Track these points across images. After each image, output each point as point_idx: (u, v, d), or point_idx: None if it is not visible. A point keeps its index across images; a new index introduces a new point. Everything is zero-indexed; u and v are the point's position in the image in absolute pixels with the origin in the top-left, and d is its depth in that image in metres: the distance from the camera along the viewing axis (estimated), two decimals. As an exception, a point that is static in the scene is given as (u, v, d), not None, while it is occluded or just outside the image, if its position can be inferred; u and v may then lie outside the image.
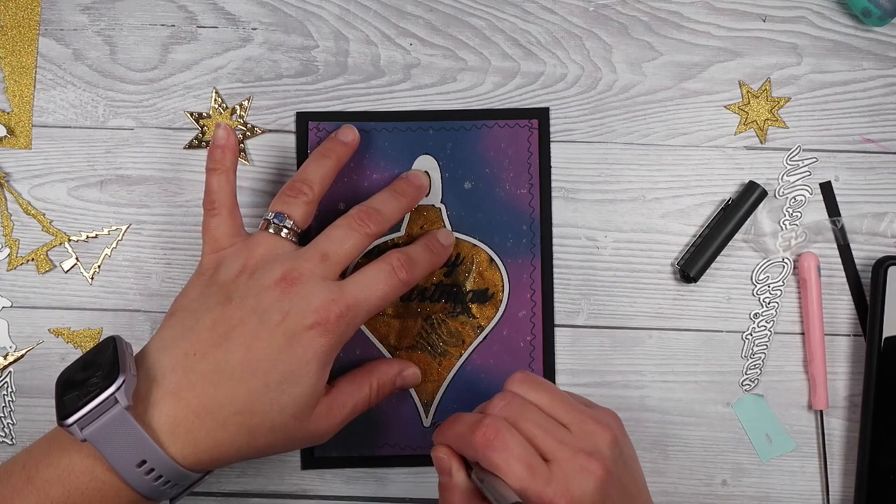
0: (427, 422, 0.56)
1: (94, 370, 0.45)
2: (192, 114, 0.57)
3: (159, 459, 0.44)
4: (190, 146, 0.57)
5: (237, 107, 0.57)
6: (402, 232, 0.56)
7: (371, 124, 0.56)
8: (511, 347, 0.56)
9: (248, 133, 0.57)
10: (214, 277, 0.49)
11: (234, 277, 0.48)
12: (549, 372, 0.56)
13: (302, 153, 0.56)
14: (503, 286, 0.56)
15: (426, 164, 0.56)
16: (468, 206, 0.56)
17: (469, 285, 0.56)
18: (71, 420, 0.43)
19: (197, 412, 0.45)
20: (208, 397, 0.45)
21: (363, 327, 0.56)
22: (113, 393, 0.43)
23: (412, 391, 0.56)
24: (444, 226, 0.56)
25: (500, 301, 0.56)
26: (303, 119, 0.56)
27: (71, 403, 0.43)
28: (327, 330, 0.47)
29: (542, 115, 0.56)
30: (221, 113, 0.57)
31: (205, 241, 0.51)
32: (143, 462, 0.44)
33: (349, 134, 0.54)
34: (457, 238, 0.56)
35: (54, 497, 0.44)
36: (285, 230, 0.50)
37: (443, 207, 0.56)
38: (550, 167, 0.56)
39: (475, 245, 0.56)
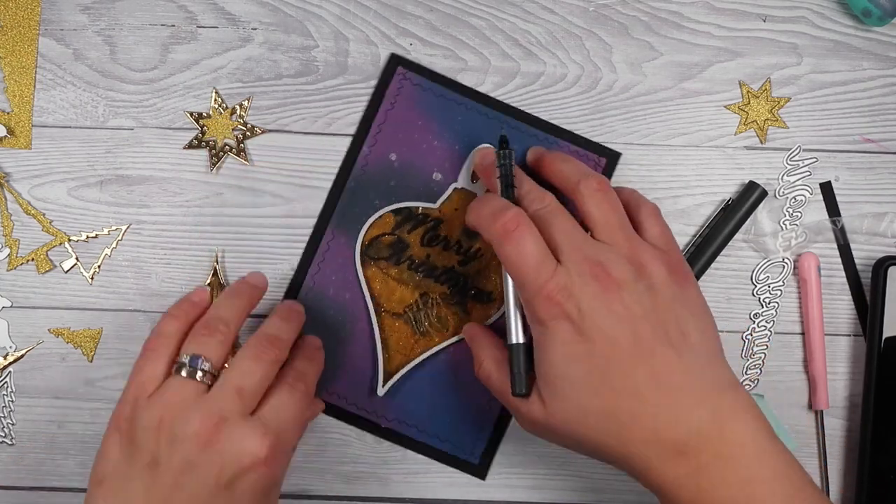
0: (381, 391, 0.55)
1: None
2: (192, 114, 0.57)
3: None
4: (190, 146, 0.57)
5: (237, 107, 0.57)
6: (437, 205, 0.56)
7: (454, 95, 0.56)
8: None
9: (248, 133, 0.57)
10: (132, 434, 0.47)
11: (154, 436, 0.46)
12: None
13: (377, 97, 0.56)
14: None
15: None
16: None
17: (476, 281, 0.56)
18: None
19: None
20: None
21: (360, 276, 0.55)
22: None
23: (380, 353, 0.55)
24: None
25: (497, 308, 0.56)
26: (394, 62, 0.56)
27: None
28: (266, 465, 0.46)
29: (612, 157, 0.56)
30: (221, 113, 0.57)
31: (130, 382, 0.49)
32: None
33: (261, 279, 0.55)
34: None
35: None
36: (201, 373, 0.48)
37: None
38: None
39: None
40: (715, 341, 0.46)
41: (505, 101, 0.56)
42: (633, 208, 0.49)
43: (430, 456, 0.56)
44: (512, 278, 0.47)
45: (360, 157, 0.56)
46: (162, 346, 0.50)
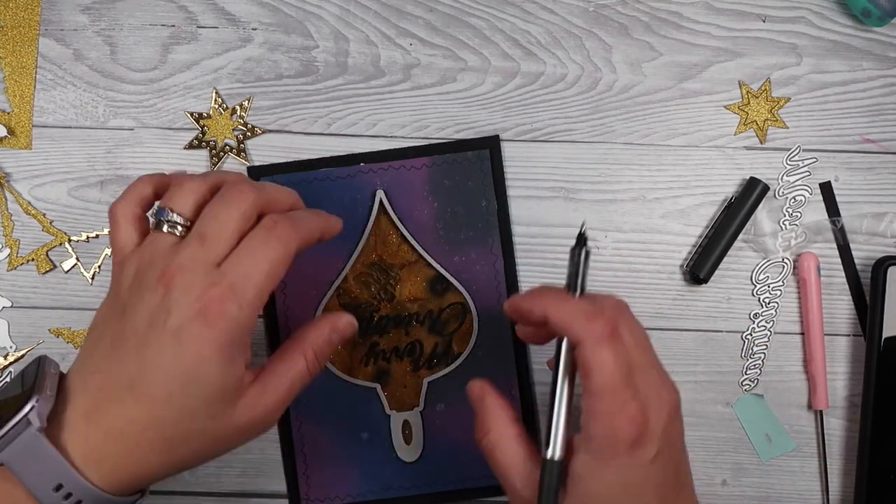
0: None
1: (15, 391, 0.43)
2: (192, 114, 0.57)
3: (76, 484, 0.42)
4: (190, 146, 0.57)
5: (237, 107, 0.57)
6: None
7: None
8: None
9: (249, 133, 0.57)
10: (116, 289, 0.46)
11: (128, 288, 0.45)
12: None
13: None
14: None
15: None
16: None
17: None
18: None
19: (108, 434, 0.43)
20: (116, 417, 0.43)
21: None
22: (26, 414, 0.41)
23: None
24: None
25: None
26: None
27: None
28: (214, 317, 0.43)
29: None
30: (222, 113, 0.57)
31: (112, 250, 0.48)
32: (60, 486, 0.41)
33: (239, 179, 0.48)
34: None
35: None
36: (167, 225, 0.45)
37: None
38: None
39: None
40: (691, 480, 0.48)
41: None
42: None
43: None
44: (597, 384, 0.42)
45: None
46: (123, 208, 0.47)
